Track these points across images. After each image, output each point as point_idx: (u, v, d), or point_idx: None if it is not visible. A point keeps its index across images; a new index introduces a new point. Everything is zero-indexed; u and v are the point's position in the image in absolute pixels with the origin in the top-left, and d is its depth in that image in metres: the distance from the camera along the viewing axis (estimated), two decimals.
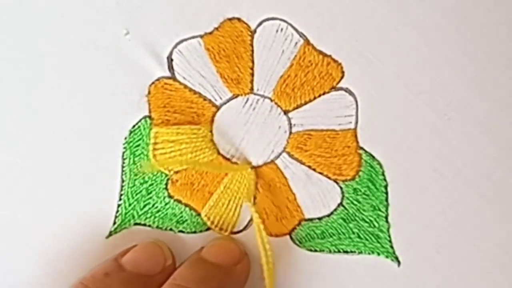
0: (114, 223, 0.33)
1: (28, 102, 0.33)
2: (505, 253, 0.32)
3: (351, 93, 0.32)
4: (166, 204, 0.33)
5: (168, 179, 0.33)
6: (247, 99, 0.33)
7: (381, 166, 0.32)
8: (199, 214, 0.33)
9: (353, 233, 0.32)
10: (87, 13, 0.33)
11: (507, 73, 0.31)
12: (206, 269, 0.31)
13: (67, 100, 0.33)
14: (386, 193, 0.32)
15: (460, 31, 0.32)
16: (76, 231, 0.33)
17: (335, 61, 0.32)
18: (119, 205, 0.33)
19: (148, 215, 0.33)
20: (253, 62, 0.33)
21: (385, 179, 0.32)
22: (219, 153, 0.33)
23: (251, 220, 0.33)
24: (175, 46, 0.33)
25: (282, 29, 0.32)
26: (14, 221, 0.33)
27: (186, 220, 0.33)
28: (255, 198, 0.33)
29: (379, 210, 0.32)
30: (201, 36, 0.33)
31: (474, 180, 0.32)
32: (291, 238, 0.33)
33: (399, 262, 0.32)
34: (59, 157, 0.33)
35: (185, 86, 0.33)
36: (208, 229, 0.33)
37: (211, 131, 0.33)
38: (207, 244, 0.32)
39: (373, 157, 0.32)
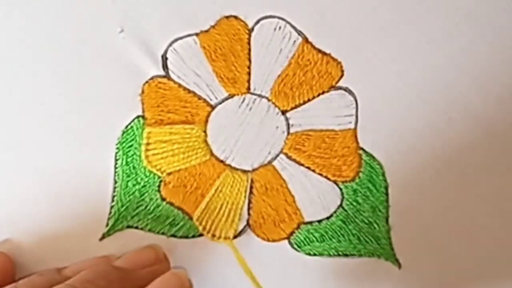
0: (107, 225, 0.31)
1: (21, 101, 0.32)
2: (507, 254, 0.31)
3: (350, 93, 0.32)
4: (158, 206, 0.32)
5: (160, 181, 0.32)
6: (244, 99, 0.32)
7: (381, 167, 0.32)
8: (191, 218, 0.32)
9: (353, 235, 0.32)
10: (82, 11, 0.32)
11: (508, 73, 0.31)
12: (101, 270, 0.29)
13: (60, 99, 0.32)
14: (387, 194, 0.32)
15: (461, 30, 0.31)
16: (69, 233, 0.31)
17: (334, 59, 0.32)
18: (111, 207, 0.32)
19: (141, 217, 0.32)
20: (250, 61, 0.32)
21: (385, 180, 0.32)
22: (212, 154, 0.32)
23: (245, 226, 0.32)
24: (170, 45, 0.32)
25: (280, 27, 0.32)
26: (7, 222, 0.32)
27: (179, 224, 0.32)
28: (250, 202, 0.32)
29: (379, 211, 0.32)
30: (197, 34, 0.32)
31: (475, 180, 0.31)
32: (289, 242, 0.32)
33: (399, 265, 0.32)
34: (52, 158, 0.32)
35: (180, 85, 0.32)
36: (201, 234, 0.32)
37: (205, 131, 0.32)
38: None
39: (374, 157, 0.32)
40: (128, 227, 0.32)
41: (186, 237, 0.32)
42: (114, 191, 0.32)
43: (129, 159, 0.32)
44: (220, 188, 0.32)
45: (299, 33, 0.32)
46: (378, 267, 0.32)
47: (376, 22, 0.32)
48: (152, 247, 0.32)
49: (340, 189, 0.32)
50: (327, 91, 0.32)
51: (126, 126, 0.32)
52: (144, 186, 0.32)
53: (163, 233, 0.32)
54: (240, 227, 0.32)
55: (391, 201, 0.32)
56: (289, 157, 0.32)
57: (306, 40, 0.32)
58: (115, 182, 0.32)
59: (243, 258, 0.32)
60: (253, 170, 0.32)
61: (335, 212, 0.32)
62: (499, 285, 0.32)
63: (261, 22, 0.32)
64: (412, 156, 0.32)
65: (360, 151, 0.32)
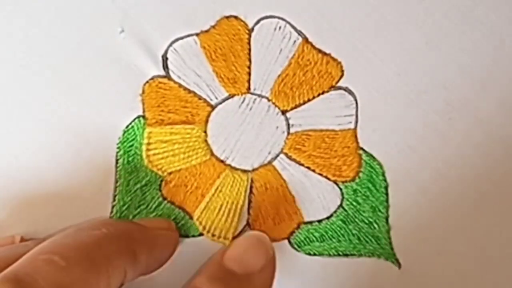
0: None
1: (21, 101, 0.32)
2: (507, 254, 0.31)
3: (351, 93, 0.32)
4: (159, 205, 0.32)
5: (162, 180, 0.32)
6: (244, 99, 0.32)
7: (381, 167, 0.32)
8: (191, 218, 0.32)
9: (353, 235, 0.32)
10: (82, 11, 0.32)
11: (508, 73, 0.31)
12: (223, 280, 0.29)
13: (61, 99, 0.32)
14: (387, 194, 0.32)
15: (461, 30, 0.31)
16: None
17: (334, 59, 0.32)
18: (113, 206, 0.32)
19: (142, 216, 0.32)
20: (250, 61, 0.32)
21: (385, 180, 0.32)
22: (212, 154, 0.32)
23: (245, 225, 0.32)
24: (170, 45, 0.32)
25: (280, 27, 0.32)
26: (8, 221, 0.32)
27: (179, 223, 0.32)
28: (250, 202, 0.32)
29: (379, 211, 0.32)
30: (197, 34, 0.32)
31: (475, 180, 0.31)
32: (289, 242, 0.32)
33: (399, 265, 0.32)
34: (53, 157, 0.32)
35: (180, 85, 0.32)
36: (202, 234, 0.32)
37: (205, 131, 0.32)
38: (232, 244, 0.31)
39: (373, 157, 0.32)
40: None
41: (187, 236, 0.32)
42: (115, 190, 0.32)
43: (130, 159, 0.32)
44: (220, 188, 0.32)
45: (299, 33, 0.32)
46: (378, 267, 0.32)
47: (376, 22, 0.31)
48: (261, 244, 0.31)
49: (340, 189, 0.32)
50: (327, 91, 0.32)
51: (127, 126, 0.32)
52: (145, 185, 0.32)
53: None
54: (240, 227, 0.32)
55: (391, 201, 0.32)
56: (289, 157, 0.32)
57: (306, 40, 0.32)
58: (116, 181, 0.32)
59: None
60: (253, 170, 0.32)
61: (335, 212, 0.32)
62: (499, 285, 0.32)
63: (261, 22, 0.32)
64: (412, 156, 0.31)
65: (360, 151, 0.32)
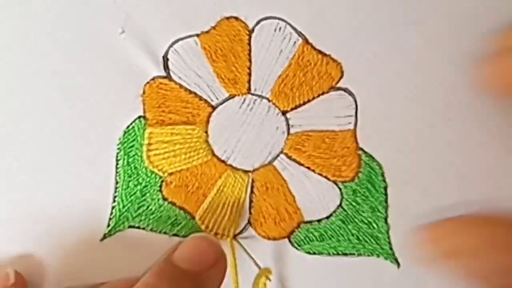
0: (108, 225, 0.32)
1: (22, 102, 0.32)
2: None
3: (350, 93, 0.32)
4: (160, 206, 0.32)
5: (162, 181, 0.32)
6: (244, 99, 0.32)
7: (380, 167, 0.32)
8: (193, 218, 0.32)
9: (352, 235, 0.32)
10: (83, 12, 0.32)
11: None
12: (174, 278, 0.29)
13: (61, 100, 0.32)
14: (386, 194, 0.32)
15: (460, 31, 0.32)
16: (70, 234, 0.32)
17: (334, 60, 0.32)
18: (113, 207, 0.32)
19: (143, 218, 0.32)
20: (250, 61, 0.32)
21: (384, 180, 0.32)
22: (214, 154, 0.32)
23: (247, 224, 0.32)
24: (171, 45, 0.32)
25: (280, 28, 0.32)
26: (8, 222, 0.32)
27: (181, 223, 0.32)
28: (251, 201, 0.32)
29: (379, 211, 0.32)
30: (198, 35, 0.32)
31: (474, 180, 0.32)
32: (289, 241, 0.32)
33: (398, 264, 0.32)
34: (54, 158, 0.32)
35: (181, 86, 0.32)
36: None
37: (206, 132, 0.32)
38: (180, 245, 0.31)
39: (373, 158, 0.32)
40: (130, 227, 0.32)
41: (189, 235, 0.32)
42: (115, 192, 0.32)
43: (130, 160, 0.32)
44: (222, 188, 0.32)
45: (299, 34, 0.32)
46: (377, 266, 0.32)
47: (376, 23, 0.32)
48: (210, 242, 0.31)
49: (340, 189, 0.32)
50: (327, 92, 0.32)
51: (128, 127, 0.32)
52: (145, 186, 0.32)
53: (165, 233, 0.32)
54: (242, 226, 0.32)
55: (390, 201, 0.32)
56: (289, 157, 0.32)
57: (306, 41, 0.32)
58: (117, 182, 0.32)
59: (236, 259, 0.32)
60: (254, 170, 0.32)
61: (334, 211, 0.32)
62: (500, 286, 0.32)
63: (262, 23, 0.32)
64: (412, 157, 0.32)
65: (360, 152, 0.32)
